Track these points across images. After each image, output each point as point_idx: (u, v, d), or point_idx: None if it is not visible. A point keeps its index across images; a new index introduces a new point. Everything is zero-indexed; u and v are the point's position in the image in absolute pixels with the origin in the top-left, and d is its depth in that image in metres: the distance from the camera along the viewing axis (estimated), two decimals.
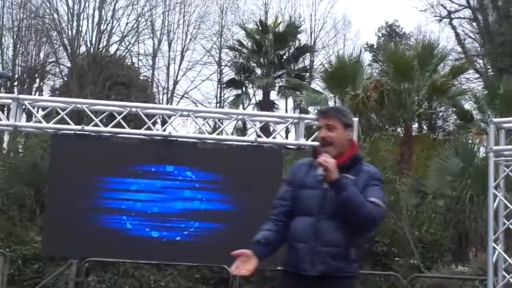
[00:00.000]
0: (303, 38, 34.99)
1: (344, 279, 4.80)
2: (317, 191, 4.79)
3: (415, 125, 30.98)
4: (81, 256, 12.00)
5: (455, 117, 27.81)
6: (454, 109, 25.84)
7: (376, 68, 32.58)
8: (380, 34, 39.68)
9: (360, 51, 32.33)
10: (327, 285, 4.74)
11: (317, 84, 30.13)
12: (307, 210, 4.81)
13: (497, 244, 9.39)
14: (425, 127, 33.99)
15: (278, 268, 5.04)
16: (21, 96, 9.87)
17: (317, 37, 37.35)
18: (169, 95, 34.63)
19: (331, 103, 26.88)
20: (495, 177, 9.52)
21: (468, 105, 24.82)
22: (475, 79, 32.32)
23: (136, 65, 34.78)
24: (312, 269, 4.71)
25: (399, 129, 28.20)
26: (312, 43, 36.13)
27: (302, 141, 9.52)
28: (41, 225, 12.35)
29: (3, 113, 10.27)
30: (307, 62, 35.28)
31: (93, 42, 32.08)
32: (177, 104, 31.43)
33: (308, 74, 34.10)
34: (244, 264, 4.68)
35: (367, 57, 36.02)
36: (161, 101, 33.53)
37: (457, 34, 35.85)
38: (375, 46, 37.88)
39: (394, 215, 16.73)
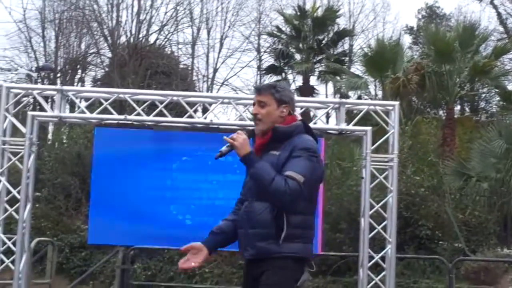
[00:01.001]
0: (342, 22, 34.78)
1: (276, 260, 4.60)
2: None
3: (457, 107, 30.74)
4: (127, 244, 12.16)
5: (498, 98, 27.52)
6: (497, 90, 25.54)
7: (417, 51, 32.36)
8: (420, 16, 39.41)
9: (400, 33, 32.13)
10: (261, 268, 4.62)
11: (357, 68, 30.02)
12: (245, 195, 4.83)
13: None
14: (467, 109, 33.63)
15: None
16: (65, 87, 9.98)
17: (356, 20, 37.19)
18: (209, 83, 34.72)
19: (371, 87, 26.86)
20: None
21: (511, 86, 24.56)
22: None
23: (176, 54, 34.90)
24: (245, 253, 4.72)
25: (441, 112, 28.01)
26: (351, 27, 35.89)
27: (343, 126, 9.49)
28: (87, 214, 12.52)
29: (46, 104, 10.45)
30: (346, 46, 35.09)
31: (133, 32, 32.27)
32: (217, 92, 31.53)
33: (347, 58, 33.90)
34: (194, 257, 4.71)
35: (407, 39, 35.81)
36: (201, 89, 33.64)
37: (499, 14, 35.37)
38: (415, 28, 37.57)
39: (437, 198, 16.65)
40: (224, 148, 4.72)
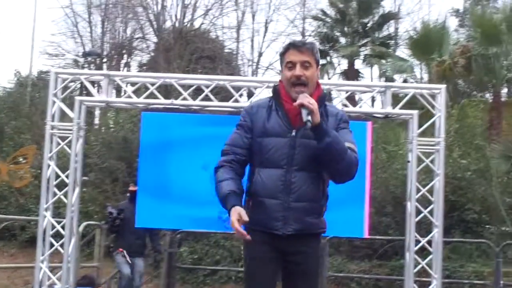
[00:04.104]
0: (387, 5, 34.53)
1: (315, 236, 4.46)
2: (285, 139, 4.32)
3: (504, 90, 30.23)
4: (174, 227, 12.27)
5: None
6: None
7: (463, 33, 31.90)
8: None
9: (446, 16, 31.61)
10: (299, 243, 4.33)
11: (403, 52, 29.85)
12: (275, 161, 4.31)
13: None
14: None
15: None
16: (112, 72, 10.11)
17: (401, 3, 36.70)
18: (254, 67, 34.71)
19: (417, 70, 26.63)
20: None
21: None
22: None
23: (221, 38, 34.97)
24: (285, 227, 4.29)
25: (487, 95, 27.62)
26: (396, 10, 35.56)
27: (389, 109, 9.44)
28: None
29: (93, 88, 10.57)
30: (391, 29, 34.76)
31: (178, 16, 32.35)
32: (262, 76, 31.55)
33: (393, 41, 33.63)
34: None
35: (453, 22, 35.28)
36: (246, 74, 33.67)
37: None
38: (461, 11, 37.06)
39: (484, 182, 16.52)
40: (309, 117, 4.13)
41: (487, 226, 15.82)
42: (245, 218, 4.06)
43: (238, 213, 4.07)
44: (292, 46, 4.40)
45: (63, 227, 9.38)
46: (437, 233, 9.26)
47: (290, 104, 4.33)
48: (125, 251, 12.19)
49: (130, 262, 12.22)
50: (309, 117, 4.10)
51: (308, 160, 4.29)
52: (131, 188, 12.14)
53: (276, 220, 4.29)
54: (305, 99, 4.15)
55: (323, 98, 4.45)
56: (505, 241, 13.71)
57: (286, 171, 4.29)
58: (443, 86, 9.63)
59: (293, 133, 4.31)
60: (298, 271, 4.39)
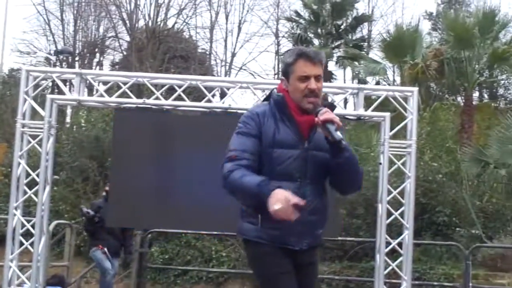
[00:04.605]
0: (360, 8, 34.72)
1: (318, 247, 4.43)
2: (297, 151, 4.18)
3: (476, 94, 30.60)
4: (144, 227, 12.21)
5: None
6: None
7: (436, 37, 32.13)
8: (439, 2, 39.07)
9: (419, 19, 31.84)
10: (308, 255, 4.30)
11: (376, 54, 29.88)
12: (288, 174, 4.14)
13: None
14: (486, 96, 33.51)
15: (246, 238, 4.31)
16: (84, 71, 10.00)
17: (375, 6, 36.95)
18: (227, 67, 34.75)
19: (389, 73, 26.76)
20: None
21: None
22: None
23: (194, 38, 34.97)
24: (300, 242, 4.21)
25: (459, 98, 27.83)
26: (370, 12, 35.76)
27: (361, 111, 9.46)
28: None
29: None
30: (365, 31, 34.96)
31: (151, 15, 32.32)
32: (235, 77, 31.55)
33: (366, 44, 33.78)
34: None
35: (426, 25, 35.56)
36: (219, 74, 33.67)
37: None
38: (434, 14, 37.34)
39: (455, 185, 16.63)
40: (338, 133, 4.03)
41: (457, 229, 15.91)
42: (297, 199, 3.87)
43: (287, 193, 3.86)
44: (304, 56, 4.21)
45: (33, 226, 9.29)
46: (407, 235, 9.30)
47: (299, 115, 4.21)
48: (105, 248, 12.04)
49: (110, 258, 12.08)
50: (340, 134, 4.03)
51: (319, 173, 4.23)
52: (108, 188, 12.03)
53: (291, 235, 4.18)
54: (330, 114, 4.06)
55: (332, 107, 4.28)
56: (475, 244, 13.83)
57: (300, 184, 4.17)
58: (415, 89, 9.67)
59: (306, 145, 4.20)
60: (309, 282, 4.36)
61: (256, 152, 4.17)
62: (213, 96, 9.82)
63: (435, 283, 14.11)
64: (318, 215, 4.25)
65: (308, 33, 32.55)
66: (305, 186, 4.17)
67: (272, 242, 4.16)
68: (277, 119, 4.22)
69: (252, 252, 4.32)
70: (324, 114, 4.05)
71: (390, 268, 9.56)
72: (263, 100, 4.49)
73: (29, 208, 12.11)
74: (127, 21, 32.60)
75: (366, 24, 34.60)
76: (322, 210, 4.29)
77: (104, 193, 12.54)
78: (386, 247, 9.39)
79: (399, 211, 9.49)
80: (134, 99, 9.71)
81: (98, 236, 12.16)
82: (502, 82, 31.81)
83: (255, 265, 4.34)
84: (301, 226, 4.11)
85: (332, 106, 4.29)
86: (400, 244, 9.46)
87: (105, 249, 12.01)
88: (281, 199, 3.79)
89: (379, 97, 9.69)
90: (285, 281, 4.17)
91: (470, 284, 11.83)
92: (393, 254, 9.86)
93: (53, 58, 31.64)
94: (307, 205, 4.06)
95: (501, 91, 33.21)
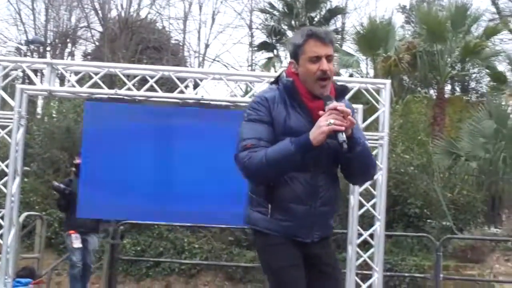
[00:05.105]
0: (334, 0, 34.77)
1: (329, 237, 4.31)
2: None
3: (448, 87, 30.70)
4: (116, 219, 12.14)
5: (488, 78, 27.49)
6: (487, 70, 25.54)
7: (409, 30, 32.19)
8: None
9: (392, 12, 32.07)
10: (319, 246, 4.19)
11: (349, 47, 29.92)
12: (302, 163, 3.92)
13: None
14: (458, 89, 33.64)
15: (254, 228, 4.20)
16: (55, 61, 9.92)
17: None
18: (200, 59, 34.62)
19: (363, 65, 26.84)
20: None
21: (501, 67, 24.63)
22: (509, 40, 31.67)
23: (167, 29, 34.80)
24: (311, 234, 4.11)
25: (431, 91, 27.99)
26: (344, 5, 35.78)
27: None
28: None
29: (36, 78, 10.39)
30: (338, 24, 34.93)
31: (124, 6, 32.12)
32: (208, 68, 31.45)
33: (339, 36, 33.82)
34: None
35: (399, 18, 35.66)
36: (192, 65, 33.53)
37: None
38: (407, 7, 37.44)
39: (426, 177, 16.72)
40: (344, 136, 3.81)
41: (428, 221, 16.01)
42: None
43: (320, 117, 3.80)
44: (315, 36, 4.02)
45: (2, 218, 9.20)
46: (379, 227, 9.33)
47: (311, 101, 4.04)
48: (78, 233, 11.88)
49: (81, 245, 11.92)
50: (345, 137, 3.82)
51: (331, 161, 4.09)
52: (77, 161, 11.75)
53: (302, 227, 4.07)
54: (338, 105, 3.85)
55: (344, 91, 4.17)
56: (445, 235, 13.92)
57: (313, 174, 4.02)
58: (388, 81, 9.69)
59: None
60: (327, 272, 4.22)
61: (271, 140, 3.97)
62: (186, 87, 9.75)
63: (406, 274, 14.19)
64: (330, 206, 4.13)
65: (282, 25, 32.51)
66: (318, 175, 4.04)
67: (282, 233, 4.04)
68: (287, 105, 4.04)
69: (261, 243, 4.18)
70: (330, 116, 3.84)
71: (361, 259, 9.60)
72: (271, 84, 4.30)
73: None
74: (100, 11, 32.39)
75: (339, 16, 34.61)
76: (334, 200, 4.16)
77: (73, 168, 12.41)
78: (358, 238, 9.42)
79: (371, 202, 9.52)
80: (106, 90, 9.62)
81: (71, 214, 11.83)
82: (474, 75, 31.97)
83: (263, 257, 4.21)
84: (312, 217, 4.05)
85: (344, 91, 4.22)
86: (371, 236, 9.49)
87: (78, 234, 11.88)
88: (322, 119, 3.78)
89: (351, 89, 9.71)
90: (293, 274, 4.04)
91: (441, 275, 11.90)
92: (365, 246, 9.89)
93: (24, 48, 31.36)
94: (321, 195, 4.02)
95: (472, 84, 33.36)
